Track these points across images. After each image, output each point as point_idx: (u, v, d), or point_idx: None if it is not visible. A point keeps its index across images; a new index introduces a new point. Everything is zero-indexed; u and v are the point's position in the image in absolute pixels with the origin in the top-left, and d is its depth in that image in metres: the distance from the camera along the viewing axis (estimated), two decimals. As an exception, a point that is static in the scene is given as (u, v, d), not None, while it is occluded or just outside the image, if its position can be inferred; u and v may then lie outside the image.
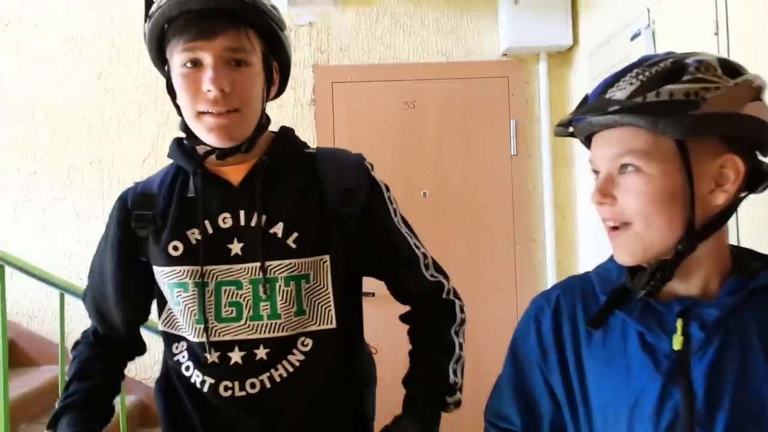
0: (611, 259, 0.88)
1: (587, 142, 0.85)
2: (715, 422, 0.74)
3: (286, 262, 0.97)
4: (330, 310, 1.00)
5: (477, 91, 2.75)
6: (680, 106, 0.73)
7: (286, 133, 1.08)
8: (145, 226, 1.01)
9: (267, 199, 0.99)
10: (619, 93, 0.76)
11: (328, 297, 0.99)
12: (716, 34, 1.52)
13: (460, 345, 1.05)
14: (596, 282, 0.87)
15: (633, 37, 2.01)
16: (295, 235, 0.97)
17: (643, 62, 0.78)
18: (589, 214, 2.48)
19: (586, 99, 0.82)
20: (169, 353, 1.04)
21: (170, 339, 1.03)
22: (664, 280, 0.79)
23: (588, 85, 0.76)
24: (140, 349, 1.14)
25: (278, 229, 0.97)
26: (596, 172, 0.82)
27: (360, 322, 1.09)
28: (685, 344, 0.77)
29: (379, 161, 1.15)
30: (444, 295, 1.08)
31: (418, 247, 1.08)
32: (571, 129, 0.85)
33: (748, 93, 0.75)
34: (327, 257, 0.99)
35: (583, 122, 0.80)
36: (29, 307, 2.74)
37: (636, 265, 0.82)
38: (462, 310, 1.09)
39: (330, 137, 2.69)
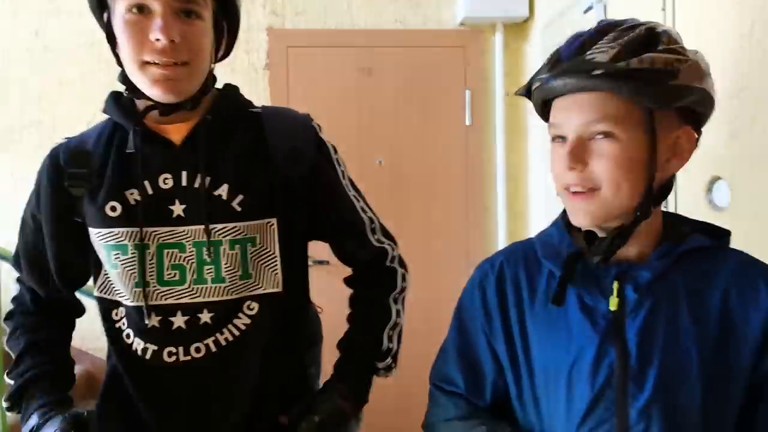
0: (554, 225, 0.91)
1: (544, 106, 0.85)
2: (646, 377, 0.78)
3: (231, 225, 0.94)
4: (276, 273, 0.98)
5: (433, 60, 2.74)
6: (662, 76, 0.75)
7: (231, 90, 1.04)
8: (79, 185, 0.95)
9: (210, 159, 0.95)
10: (600, 56, 0.75)
11: (275, 260, 0.98)
12: (663, 9, 1.56)
13: (398, 312, 1.06)
14: (539, 247, 0.90)
15: (586, 11, 2.04)
16: (241, 197, 0.95)
17: (612, 26, 0.78)
18: (541, 184, 2.54)
19: (559, 59, 0.80)
20: (107, 321, 1.00)
21: (108, 306, 0.99)
22: (620, 245, 0.82)
23: (542, 58, 0.77)
24: (81, 309, 1.11)
25: (223, 191, 0.94)
26: (559, 137, 0.81)
27: (306, 284, 1.09)
28: (620, 305, 0.81)
29: (334, 128, 1.14)
30: (388, 263, 1.08)
31: (365, 211, 1.07)
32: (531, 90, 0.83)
33: (704, 68, 0.78)
34: (274, 220, 0.97)
35: (553, 83, 0.79)
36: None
37: (587, 232, 0.84)
38: (404, 279, 1.09)
39: (285, 103, 2.64)
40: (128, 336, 0.97)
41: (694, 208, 1.47)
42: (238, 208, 0.95)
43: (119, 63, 0.93)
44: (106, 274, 0.98)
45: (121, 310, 0.98)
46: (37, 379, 1.00)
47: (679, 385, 0.78)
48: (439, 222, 2.77)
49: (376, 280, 1.08)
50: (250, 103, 1.06)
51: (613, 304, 0.81)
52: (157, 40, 0.86)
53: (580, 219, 0.82)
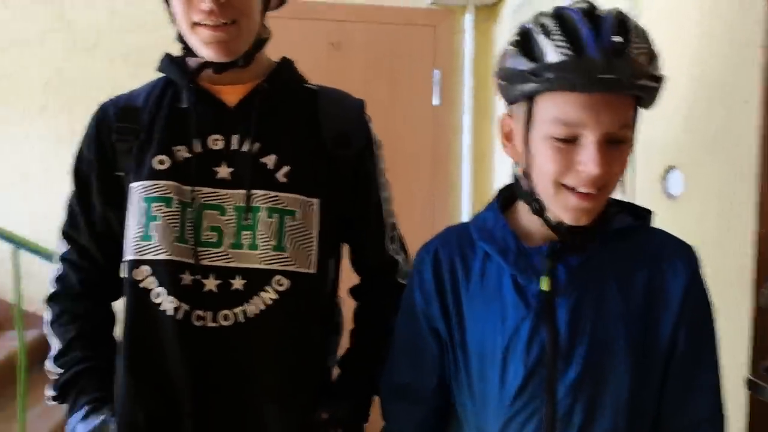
0: (489, 209, 0.92)
1: (527, 97, 0.78)
2: (575, 355, 0.81)
3: (273, 194, 0.94)
4: (312, 254, 0.97)
5: (403, 38, 2.73)
6: (661, 83, 0.77)
7: (288, 63, 1.05)
8: (127, 140, 0.96)
9: (262, 127, 0.96)
10: (642, 58, 0.73)
11: (312, 240, 0.97)
12: (632, -1, 1.59)
13: None
14: (474, 231, 0.90)
15: (556, -4, 2.06)
16: (287, 169, 0.95)
17: (623, 20, 0.76)
18: (506, 166, 2.58)
19: (591, 50, 0.72)
20: (129, 283, 0.95)
21: (132, 266, 0.95)
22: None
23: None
24: (120, 291, 1.00)
25: (269, 160, 0.95)
26: (567, 139, 0.75)
27: (338, 271, 1.09)
28: (552, 285, 0.82)
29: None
30: (398, 277, 1.07)
31: (390, 216, 1.09)
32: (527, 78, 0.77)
33: None
34: (316, 201, 0.96)
35: (588, 79, 0.71)
36: None
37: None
38: None
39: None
40: (158, 295, 0.93)
41: (650, 197, 1.52)
42: (283, 179, 0.95)
43: (174, 21, 0.95)
44: (138, 230, 0.94)
45: (146, 269, 0.93)
46: (86, 373, 0.99)
47: (608, 361, 0.81)
48: (406, 202, 2.77)
49: (385, 296, 1.06)
50: (304, 79, 1.07)
51: (545, 284, 0.82)
52: (202, 0, 0.87)
53: (582, 218, 0.80)
